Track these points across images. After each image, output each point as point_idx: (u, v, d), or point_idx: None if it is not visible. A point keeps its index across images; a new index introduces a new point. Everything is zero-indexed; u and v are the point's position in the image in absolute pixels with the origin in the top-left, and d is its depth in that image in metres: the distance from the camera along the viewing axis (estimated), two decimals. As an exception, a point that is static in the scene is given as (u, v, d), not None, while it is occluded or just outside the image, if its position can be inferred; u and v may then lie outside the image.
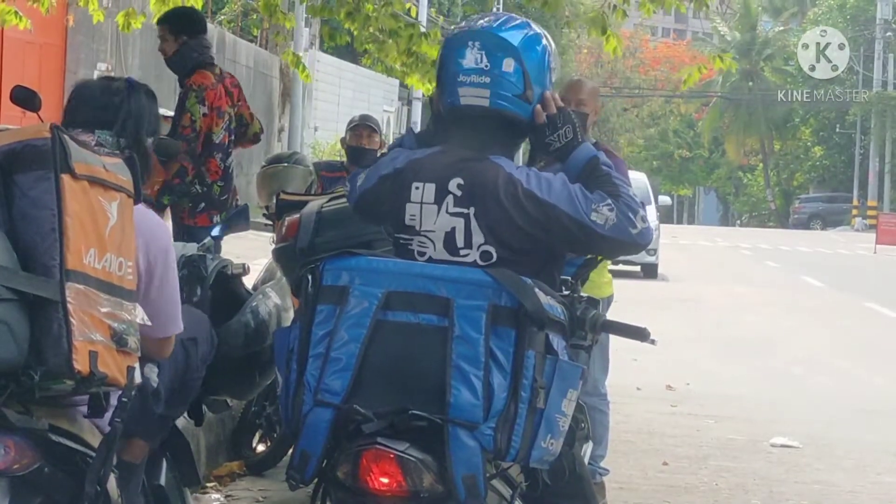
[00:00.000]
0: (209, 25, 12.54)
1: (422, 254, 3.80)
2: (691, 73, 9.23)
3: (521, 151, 4.62)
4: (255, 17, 27.84)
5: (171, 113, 8.11)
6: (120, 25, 9.73)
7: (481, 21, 3.90)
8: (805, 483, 7.88)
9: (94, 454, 3.42)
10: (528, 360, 3.43)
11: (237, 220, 5.62)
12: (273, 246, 5.73)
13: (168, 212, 7.66)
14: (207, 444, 6.91)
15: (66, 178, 3.22)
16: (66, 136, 3.27)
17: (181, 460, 4.32)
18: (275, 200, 6.39)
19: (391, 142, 4.31)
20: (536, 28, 3.91)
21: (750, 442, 8.99)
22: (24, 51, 17.09)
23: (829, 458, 8.63)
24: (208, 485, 6.72)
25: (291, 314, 4.80)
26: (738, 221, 73.63)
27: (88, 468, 3.39)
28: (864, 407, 10.65)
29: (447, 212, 3.78)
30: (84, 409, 3.42)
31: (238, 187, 8.30)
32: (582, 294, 3.90)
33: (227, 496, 6.66)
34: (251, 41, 28.54)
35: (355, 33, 9.69)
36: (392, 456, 3.39)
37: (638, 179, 22.77)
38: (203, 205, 7.76)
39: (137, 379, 3.37)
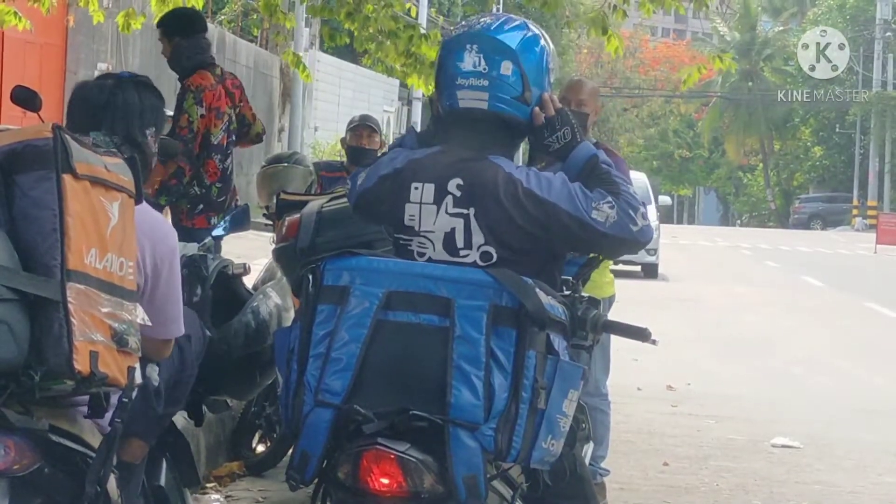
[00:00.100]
0: (209, 25, 12.53)
1: (421, 254, 3.79)
2: (691, 73, 9.21)
3: (520, 151, 4.62)
4: (255, 17, 27.80)
5: (172, 113, 8.09)
6: (120, 26, 9.72)
7: (480, 23, 3.89)
8: (806, 483, 7.88)
9: (94, 454, 3.41)
10: (529, 361, 3.42)
11: (238, 220, 5.62)
12: (273, 246, 5.72)
13: (168, 212, 7.65)
14: (207, 444, 6.90)
15: (67, 178, 3.22)
16: (67, 136, 3.26)
17: (181, 461, 4.31)
18: (275, 200, 6.38)
19: (391, 142, 4.30)
20: (535, 29, 3.90)
21: (750, 442, 8.99)
22: (25, 51, 17.08)
23: (830, 458, 8.63)
24: (208, 485, 6.72)
25: (292, 314, 4.79)
26: (738, 221, 73.61)
27: (89, 468, 3.39)
28: (864, 407, 10.64)
29: (446, 212, 3.77)
30: (84, 409, 3.41)
31: (238, 187, 8.29)
32: (583, 294, 3.90)
33: (226, 496, 6.66)
34: (251, 41, 28.52)
35: (355, 33, 9.68)
36: (392, 456, 3.38)
37: (638, 179, 22.75)
38: (201, 206, 7.73)
39: (138, 379, 3.37)
